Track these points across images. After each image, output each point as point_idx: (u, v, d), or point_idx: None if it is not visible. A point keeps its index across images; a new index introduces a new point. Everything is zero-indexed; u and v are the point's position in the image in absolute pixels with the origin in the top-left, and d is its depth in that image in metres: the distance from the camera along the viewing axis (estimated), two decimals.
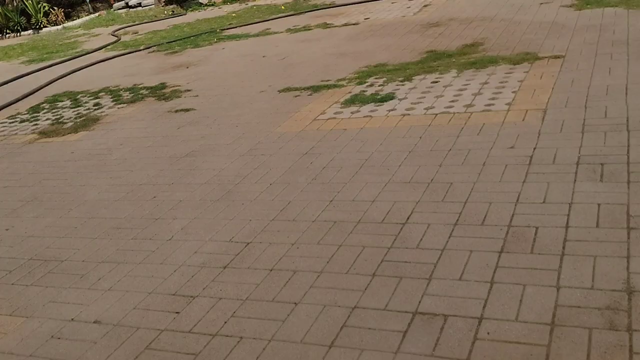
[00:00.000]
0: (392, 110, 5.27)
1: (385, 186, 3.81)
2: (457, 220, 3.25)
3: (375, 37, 8.54)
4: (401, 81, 6.08)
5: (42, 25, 16.41)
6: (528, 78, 5.41)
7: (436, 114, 4.94)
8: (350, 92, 6.01)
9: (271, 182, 4.21)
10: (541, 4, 8.59)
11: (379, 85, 6.09)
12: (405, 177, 3.89)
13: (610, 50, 5.81)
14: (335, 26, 9.99)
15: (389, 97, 5.63)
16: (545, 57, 5.92)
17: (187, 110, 6.42)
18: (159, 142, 5.53)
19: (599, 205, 3.15)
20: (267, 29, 10.91)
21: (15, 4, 16.91)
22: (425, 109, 5.14)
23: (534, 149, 3.95)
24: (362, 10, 11.09)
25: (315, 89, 6.37)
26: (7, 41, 15.90)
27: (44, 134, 6.38)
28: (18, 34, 16.43)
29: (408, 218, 3.37)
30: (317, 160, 4.44)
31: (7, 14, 16.38)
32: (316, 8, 12.30)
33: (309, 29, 10.12)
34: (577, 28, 6.89)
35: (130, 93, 7.62)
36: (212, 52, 9.60)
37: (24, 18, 16.52)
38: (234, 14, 13.69)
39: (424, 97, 5.46)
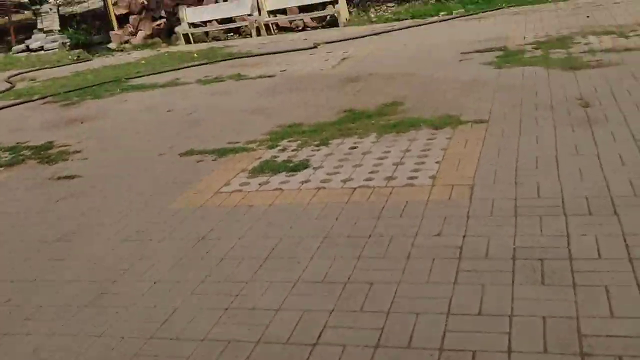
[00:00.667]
0: (306, 181, 4.67)
1: (293, 287, 3.15)
2: (379, 339, 2.63)
3: (291, 92, 8.01)
4: (317, 146, 5.52)
5: None
6: (452, 145, 4.97)
7: (355, 188, 4.37)
8: (260, 158, 5.38)
9: (156, 279, 3.46)
10: (461, 60, 8.38)
11: (292, 150, 5.50)
12: (317, 274, 3.26)
13: (534, 114, 5.50)
14: (249, 78, 9.43)
15: (303, 165, 5.03)
16: (468, 122, 5.53)
17: (71, 177, 5.58)
18: (31, 220, 4.66)
19: (544, 319, 2.62)
20: (177, 78, 10.21)
21: None
22: (342, 180, 4.57)
23: (464, 237, 3.43)
24: (279, 60, 10.62)
25: (222, 152, 5.70)
26: None
27: None
28: None
29: (319, 336, 2.72)
30: (215, 248, 3.74)
31: None
32: (231, 57, 11.75)
33: (222, 80, 9.51)
34: (499, 88, 6.61)
35: (9, 154, 6.67)
36: (114, 105, 8.78)
37: None
38: (143, 61, 12.91)
39: (342, 165, 4.90)
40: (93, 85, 10.53)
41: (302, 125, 6.30)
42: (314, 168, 4.94)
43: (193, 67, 11.29)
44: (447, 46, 9.61)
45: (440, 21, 12.79)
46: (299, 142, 5.72)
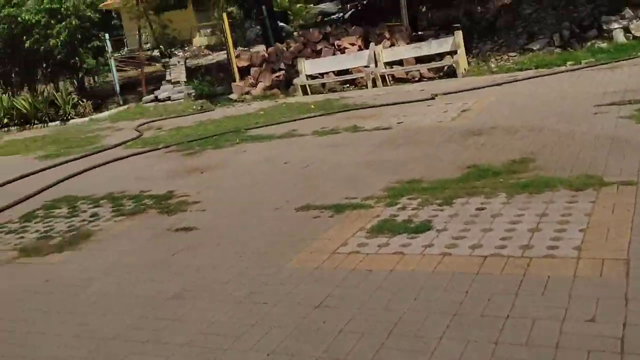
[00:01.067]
0: (429, 245, 4.30)
1: None
2: None
3: (409, 146, 7.72)
4: (439, 205, 5.15)
5: (69, 117, 16.23)
6: (597, 211, 4.42)
7: (485, 257, 3.95)
8: (378, 217, 5.09)
9: (269, 350, 3.22)
10: (595, 113, 7.72)
11: (412, 209, 5.16)
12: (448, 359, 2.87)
13: None
14: (365, 130, 9.25)
15: (425, 226, 4.68)
16: (614, 183, 4.95)
17: (189, 229, 5.57)
18: (147, 274, 4.63)
19: None
20: (294, 130, 10.25)
21: (45, 94, 16.87)
22: (470, 247, 4.16)
23: (624, 325, 2.91)
24: (396, 112, 10.39)
25: (339, 208, 5.47)
26: (33, 132, 15.70)
27: (24, 251, 5.57)
28: (45, 125, 16.26)
29: None
30: (332, 318, 3.45)
31: (37, 105, 16.29)
32: (347, 109, 11.69)
33: (338, 132, 9.40)
34: None
35: (133, 202, 6.85)
36: (232, 155, 8.90)
37: (53, 109, 16.40)
38: (262, 112, 13.19)
39: (468, 229, 4.49)
40: (214, 135, 10.82)
41: (422, 181, 5.96)
42: (437, 230, 4.58)
43: (310, 119, 11.33)
44: (577, 98, 8.95)
45: (567, 71, 12.06)
46: (419, 200, 5.38)
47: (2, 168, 10.63)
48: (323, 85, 15.63)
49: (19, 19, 15.52)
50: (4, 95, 17.57)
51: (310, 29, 17.67)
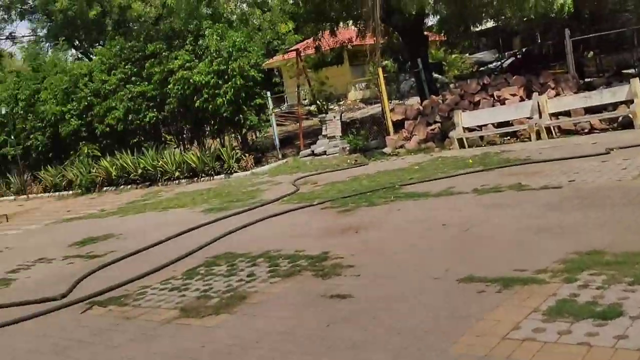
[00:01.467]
0: (622, 337, 3.65)
1: None
2: None
3: (585, 208, 6.93)
4: (630, 284, 4.43)
5: (233, 171, 17.09)
6: None
7: None
8: (554, 295, 4.49)
9: None
10: None
11: (596, 287, 4.49)
12: None
13: None
14: (531, 188, 8.55)
15: (615, 311, 4.01)
16: None
17: (343, 297, 5.33)
18: (300, 347, 4.43)
19: None
20: (451, 187, 9.78)
21: (212, 149, 17.97)
22: None
23: None
24: (565, 169, 9.54)
25: (506, 282, 4.93)
26: (200, 185, 16.71)
27: (184, 311, 5.66)
28: (211, 178, 17.24)
29: None
30: None
31: (204, 159, 17.37)
32: (509, 164, 10.99)
33: (500, 190, 8.79)
34: None
35: (288, 262, 6.79)
36: (386, 214, 8.64)
37: (218, 163, 17.38)
38: (416, 167, 12.87)
39: None
40: (368, 192, 10.67)
41: (604, 253, 5.23)
42: (630, 317, 3.89)
43: (468, 175, 10.80)
44: None
45: None
46: (604, 276, 4.69)
47: (173, 221, 11.29)
48: (481, 138, 14.99)
49: (190, 80, 16.80)
50: (176, 149, 19.02)
51: (467, 80, 17.20)
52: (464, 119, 15.10)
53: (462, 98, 16.02)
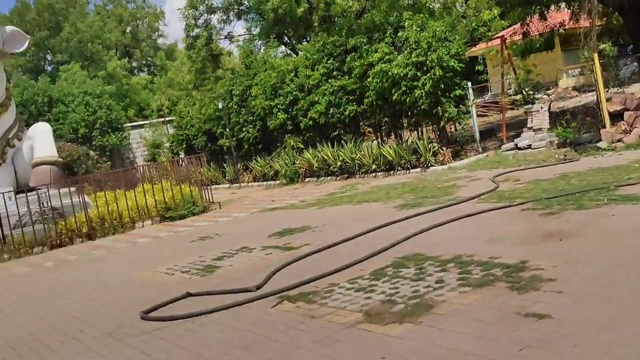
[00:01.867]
0: None
1: None
2: None
3: None
4: None
5: (429, 165, 16.72)
6: None
7: None
8: None
9: None
10: None
11: None
12: None
13: None
14: None
15: None
16: None
17: (541, 316, 4.76)
18: None
19: None
20: None
21: (409, 142, 17.77)
22: None
23: None
24: None
25: None
26: (396, 178, 16.62)
27: (368, 315, 5.52)
28: (407, 171, 17.07)
29: None
30: None
31: (401, 152, 17.24)
32: None
33: None
34: None
35: (481, 270, 6.32)
36: (598, 220, 7.67)
37: (415, 156, 17.13)
38: (636, 164, 11.35)
39: None
40: (577, 193, 9.63)
41: None
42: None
43: None
44: None
45: None
46: None
47: (367, 215, 11.33)
48: None
49: (389, 73, 16.72)
50: (374, 142, 19.17)
51: None
52: None
53: None
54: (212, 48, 28.17)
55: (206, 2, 28.37)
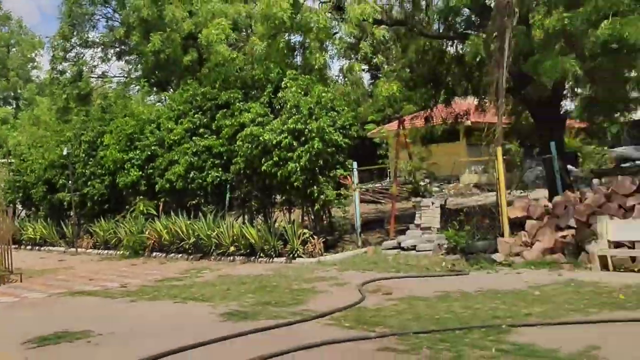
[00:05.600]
0: None
1: None
2: None
3: None
4: None
5: (296, 255, 13.70)
6: None
7: None
8: None
9: None
10: None
11: None
12: None
13: None
14: None
15: None
16: None
17: None
18: None
19: None
20: (595, 346, 5.81)
21: (276, 225, 14.76)
22: None
23: None
24: None
25: None
26: (254, 267, 13.45)
27: None
28: (270, 259, 13.96)
29: None
30: None
31: (266, 235, 14.16)
32: None
33: None
34: None
35: None
36: None
37: (281, 242, 14.08)
38: (537, 292, 8.83)
39: None
40: (457, 329, 6.84)
41: None
42: None
43: (624, 323, 6.72)
44: None
45: None
46: None
47: (175, 325, 8.10)
48: (633, 259, 10.65)
49: (260, 138, 13.83)
50: (238, 219, 16.02)
51: (618, 177, 12.90)
52: (612, 229, 10.86)
53: (608, 199, 11.79)
54: (80, 86, 24.51)
55: (81, 35, 24.93)
